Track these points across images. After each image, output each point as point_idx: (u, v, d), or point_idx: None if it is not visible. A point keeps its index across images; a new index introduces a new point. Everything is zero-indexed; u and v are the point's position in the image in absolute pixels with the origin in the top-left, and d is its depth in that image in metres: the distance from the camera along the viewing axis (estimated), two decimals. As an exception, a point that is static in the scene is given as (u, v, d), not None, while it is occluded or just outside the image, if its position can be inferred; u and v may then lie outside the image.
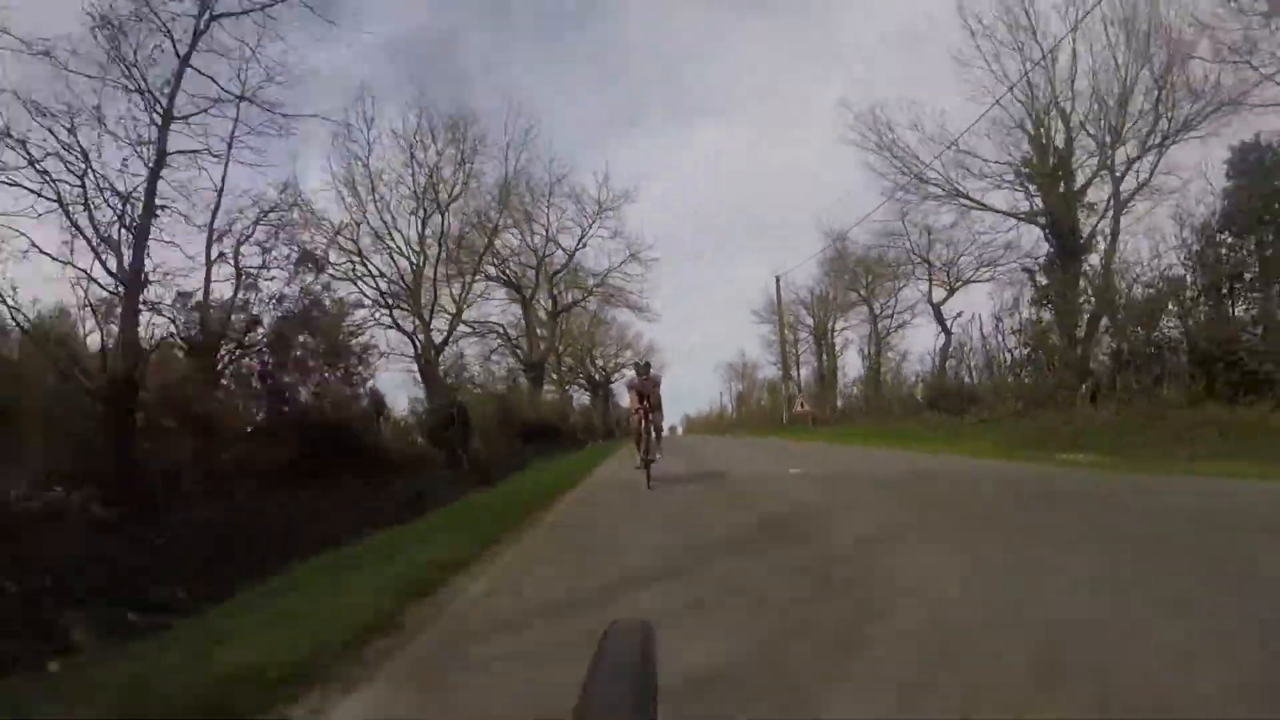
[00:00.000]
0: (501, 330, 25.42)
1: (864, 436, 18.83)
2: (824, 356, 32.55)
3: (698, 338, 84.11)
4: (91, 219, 7.78)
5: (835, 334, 32.03)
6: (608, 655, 0.54)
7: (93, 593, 4.24)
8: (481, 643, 2.61)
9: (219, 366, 7.79)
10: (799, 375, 36.25)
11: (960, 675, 2.00)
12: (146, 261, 8.03)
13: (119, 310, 7.21)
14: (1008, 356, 15.40)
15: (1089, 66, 14.58)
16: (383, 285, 16.02)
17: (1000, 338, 15.64)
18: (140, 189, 7.79)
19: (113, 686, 2.26)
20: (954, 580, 3.09)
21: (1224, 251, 10.62)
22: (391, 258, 16.53)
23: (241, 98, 9.54)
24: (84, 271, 7.78)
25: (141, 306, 7.75)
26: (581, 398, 39.71)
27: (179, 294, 7.75)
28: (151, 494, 6.04)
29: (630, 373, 11.13)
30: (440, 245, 17.07)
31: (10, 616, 3.75)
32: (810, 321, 33.27)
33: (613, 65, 54.69)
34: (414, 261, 16.80)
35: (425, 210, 17.23)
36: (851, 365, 31.47)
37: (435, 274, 17.06)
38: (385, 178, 17.04)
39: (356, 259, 15.98)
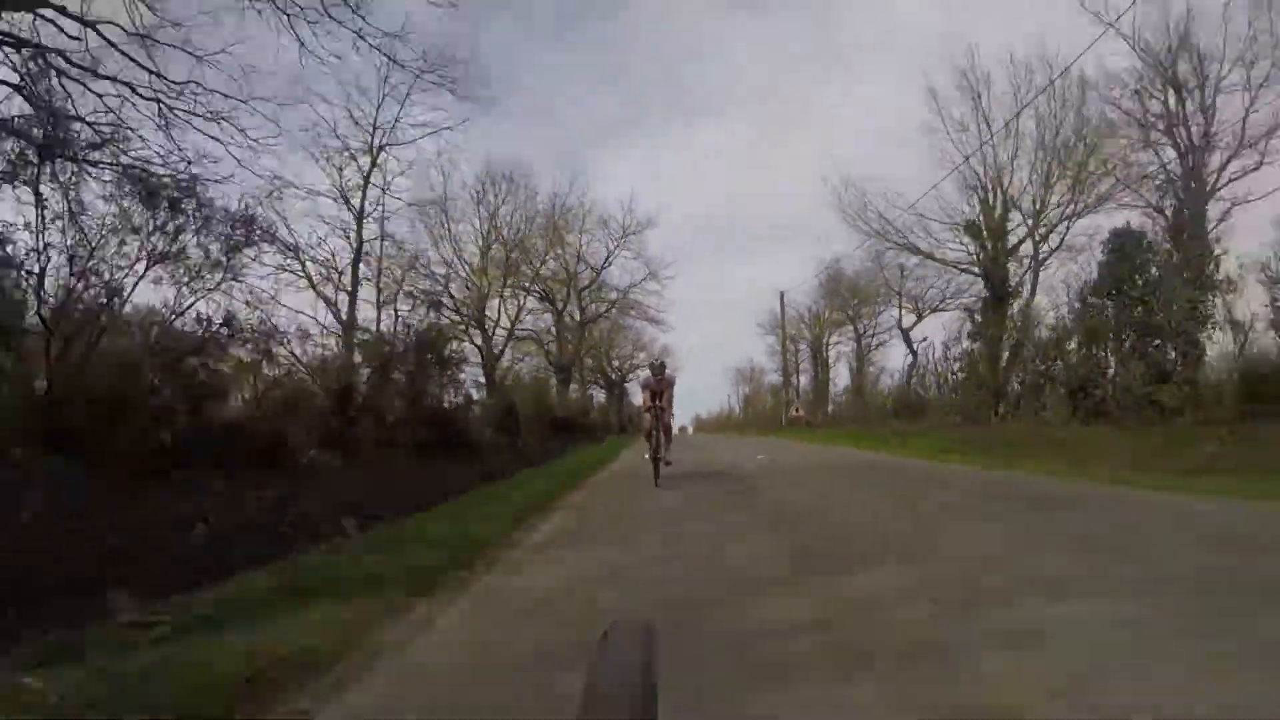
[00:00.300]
0: (536, 336, 29.47)
1: (841, 438, 22.65)
2: (819, 367, 36.45)
3: (708, 338, 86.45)
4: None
5: (829, 348, 35.94)
6: (608, 655, 0.54)
7: (346, 509, 8.13)
8: (556, 543, 6.55)
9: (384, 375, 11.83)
10: (798, 382, 40.13)
11: (786, 520, 5.94)
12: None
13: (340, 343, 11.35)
14: (950, 378, 19.21)
15: (1027, 147, 18.35)
16: (460, 308, 20.12)
17: (946, 362, 19.46)
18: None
19: (388, 540, 6.11)
20: (806, 497, 7.02)
21: (1092, 310, 14.38)
22: (465, 285, 20.69)
23: (385, 189, 13.77)
24: (314, 319, 12.02)
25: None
26: (599, 396, 43.75)
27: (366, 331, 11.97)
28: (358, 454, 9.98)
29: (645, 372, 11.10)
30: (502, 273, 21.25)
31: (319, 520, 7.65)
32: (809, 335, 37.16)
33: (614, 64, 57.35)
34: (479, 286, 20.91)
35: (488, 244, 21.38)
36: (841, 376, 35.25)
37: (491, 293, 21.19)
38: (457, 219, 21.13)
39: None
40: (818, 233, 66.13)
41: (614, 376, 43.80)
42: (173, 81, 6.82)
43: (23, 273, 5.11)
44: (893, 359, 33.71)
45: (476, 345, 20.01)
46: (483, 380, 19.16)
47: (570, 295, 30.07)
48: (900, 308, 25.01)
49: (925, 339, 23.30)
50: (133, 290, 6.10)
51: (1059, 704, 1.91)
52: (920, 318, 24.80)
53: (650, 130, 64.71)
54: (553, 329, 30.26)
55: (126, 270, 5.91)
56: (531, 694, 2.21)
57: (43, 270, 5.29)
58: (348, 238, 13.65)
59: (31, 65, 5.94)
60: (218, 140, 7.47)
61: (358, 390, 10.20)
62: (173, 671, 2.29)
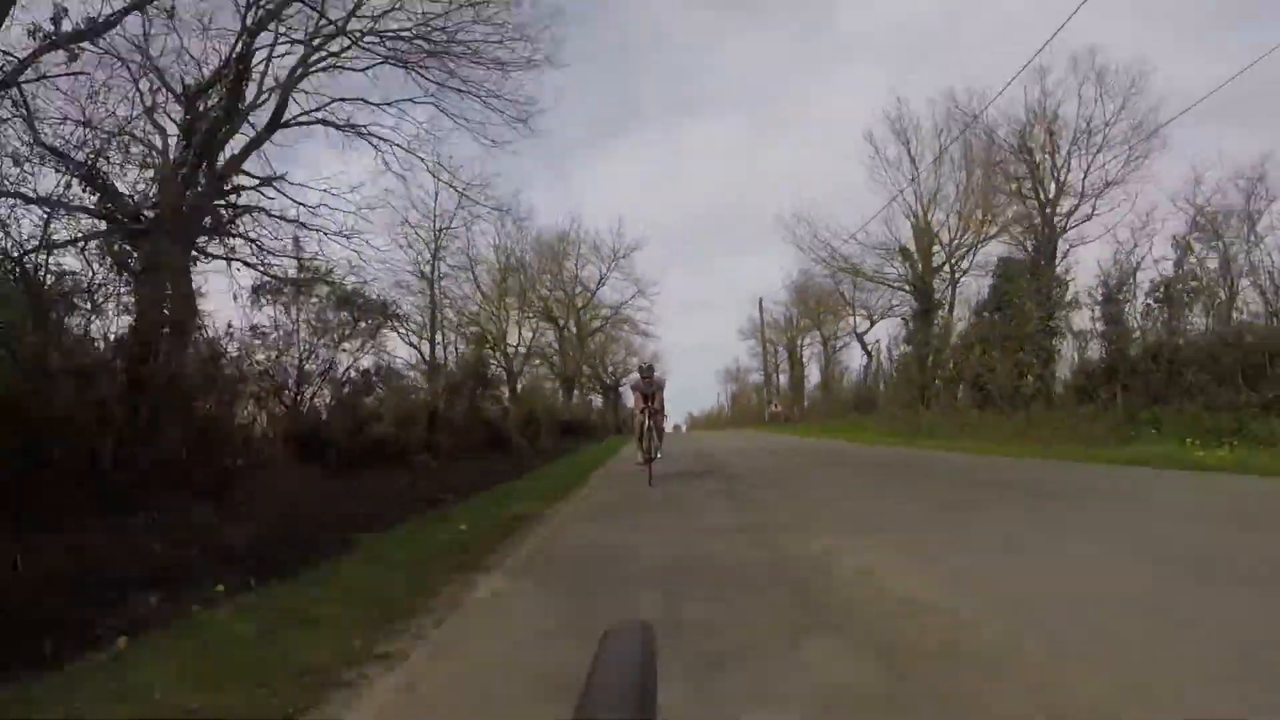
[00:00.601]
0: (542, 351, 33.44)
1: (809, 430, 26.86)
2: (794, 367, 40.66)
3: (701, 337, 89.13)
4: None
5: (803, 349, 40.15)
6: (608, 655, 0.54)
7: (443, 490, 12.05)
8: (587, 515, 10.56)
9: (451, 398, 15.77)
10: (778, 380, 44.31)
11: (751, 478, 10.00)
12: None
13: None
14: (892, 376, 23.40)
15: (950, 183, 22.54)
16: (487, 335, 24.22)
17: (890, 363, 23.66)
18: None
19: (461, 515, 10.10)
20: (765, 468, 11.09)
21: (983, 322, 18.57)
22: (490, 316, 24.72)
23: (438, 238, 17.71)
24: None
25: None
26: (596, 400, 47.73)
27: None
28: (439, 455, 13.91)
29: (635, 375, 11.19)
30: (517, 301, 25.42)
31: (431, 496, 11.57)
32: (784, 339, 41.38)
33: (607, 62, 58.34)
34: (499, 316, 24.96)
35: (504, 277, 25.42)
36: (815, 374, 39.47)
37: (509, 321, 25.31)
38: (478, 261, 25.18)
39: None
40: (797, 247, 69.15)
41: (609, 382, 47.76)
42: (310, 206, 10.32)
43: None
44: (855, 359, 38.00)
45: (501, 365, 23.94)
46: (506, 393, 23.08)
47: (570, 313, 34.10)
48: (855, 316, 29.24)
49: (877, 341, 27.52)
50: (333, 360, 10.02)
51: (824, 513, 5.97)
52: (873, 323, 29.02)
53: (641, 128, 66.37)
54: (555, 344, 34.28)
55: (332, 348, 9.82)
56: (615, 517, 6.22)
57: (303, 358, 9.18)
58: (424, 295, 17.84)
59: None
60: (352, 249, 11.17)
61: (439, 411, 14.13)
62: (481, 518, 6.27)
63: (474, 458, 16.25)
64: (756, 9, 58.91)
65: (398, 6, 9.66)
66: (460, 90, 10.84)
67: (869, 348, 28.20)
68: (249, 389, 8.10)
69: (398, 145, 11.23)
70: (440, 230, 18.86)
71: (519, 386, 24.13)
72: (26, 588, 3.41)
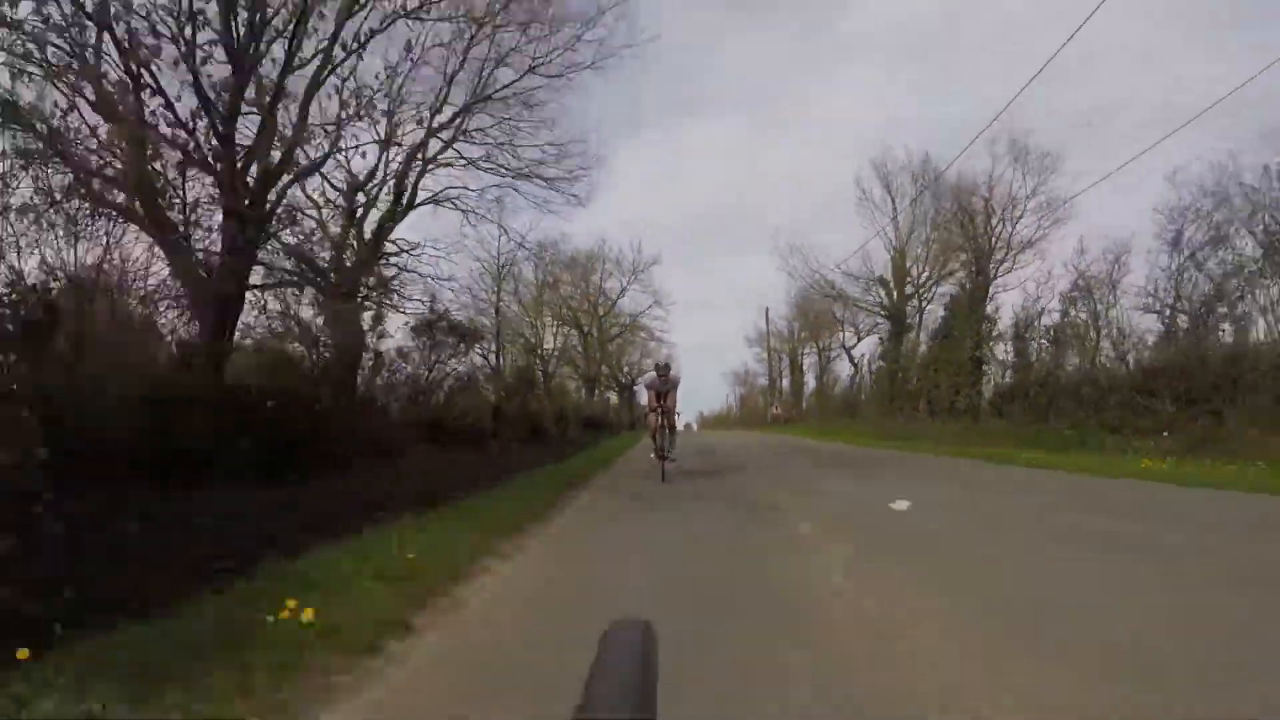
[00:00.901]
0: (568, 355, 37.80)
1: (802, 431, 30.97)
2: (795, 374, 44.75)
3: (698, 337, 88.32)
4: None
5: (803, 357, 44.21)
6: (608, 655, 0.55)
7: (501, 469, 16.34)
8: (612, 487, 14.80)
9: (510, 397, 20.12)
10: (782, 384, 48.41)
11: (732, 465, 14.23)
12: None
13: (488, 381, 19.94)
14: (871, 387, 27.47)
15: (922, 226, 26.54)
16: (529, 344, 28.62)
17: (869, 375, 27.72)
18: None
19: (509, 494, 14.34)
20: (744, 458, 15.32)
21: (935, 347, 22.61)
22: (538, 332, 29.35)
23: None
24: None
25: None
26: (611, 397, 52.09)
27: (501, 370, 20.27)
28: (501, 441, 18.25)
29: (650, 373, 11.51)
30: (552, 315, 29.89)
31: (497, 472, 15.87)
32: (787, 348, 45.48)
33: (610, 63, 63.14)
34: (537, 326, 29.53)
35: (541, 293, 29.89)
36: (812, 382, 43.52)
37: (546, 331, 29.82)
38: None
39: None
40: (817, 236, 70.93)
41: (624, 381, 52.11)
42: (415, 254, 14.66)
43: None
44: (844, 370, 42.09)
45: (539, 369, 28.30)
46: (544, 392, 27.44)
47: (593, 321, 38.44)
48: (843, 332, 33.30)
49: (862, 355, 31.57)
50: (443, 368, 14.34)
51: (769, 473, 10.19)
52: (860, 339, 33.04)
53: (641, 128, 68.24)
54: (579, 347, 38.63)
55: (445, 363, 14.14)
56: (632, 493, 10.45)
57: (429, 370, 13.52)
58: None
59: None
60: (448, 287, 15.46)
61: (501, 408, 18.46)
62: (528, 495, 10.53)
63: (521, 444, 20.61)
64: (756, 9, 62.00)
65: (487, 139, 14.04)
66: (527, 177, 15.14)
67: (855, 361, 32.28)
68: (402, 393, 12.42)
69: (477, 212, 15.58)
70: (502, 267, 23.31)
71: (551, 386, 28.49)
72: (334, 501, 7.51)
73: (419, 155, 13.32)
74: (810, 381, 43.24)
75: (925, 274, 25.68)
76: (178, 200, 7.51)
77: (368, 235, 13.36)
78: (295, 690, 2.32)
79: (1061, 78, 43.65)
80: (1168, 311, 13.43)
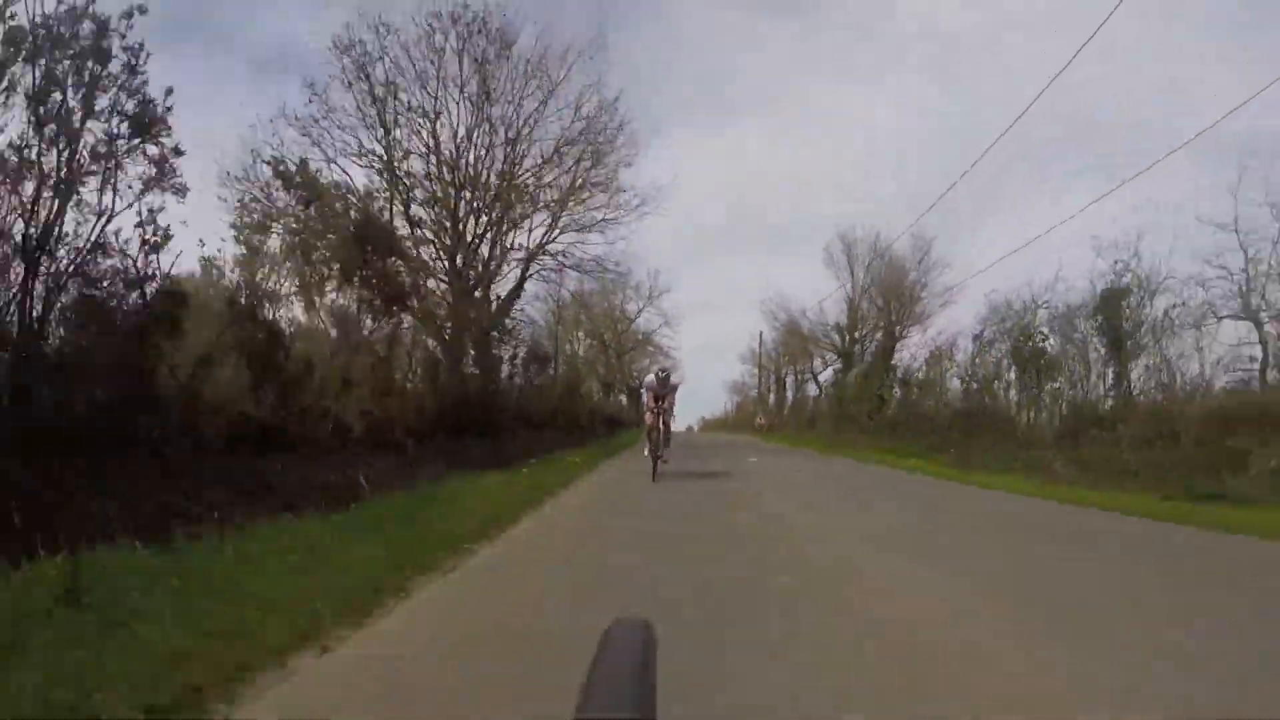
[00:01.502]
0: (589, 362, 46.56)
1: (777, 438, 39.54)
2: (780, 389, 53.36)
3: (699, 339, 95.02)
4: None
5: (787, 376, 52.81)
6: (608, 655, 0.55)
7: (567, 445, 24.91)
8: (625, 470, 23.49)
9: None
10: (772, 398, 57.01)
11: (708, 451, 22.91)
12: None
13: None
14: (826, 407, 36.06)
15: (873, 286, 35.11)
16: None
17: (827, 396, 36.30)
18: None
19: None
20: (723, 456, 24.00)
21: (868, 378, 31.11)
22: (574, 347, 38.14)
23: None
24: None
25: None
26: (622, 399, 60.90)
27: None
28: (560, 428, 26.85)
29: (651, 376, 12.11)
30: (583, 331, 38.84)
31: (563, 445, 24.44)
32: (773, 367, 54.10)
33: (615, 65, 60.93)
34: (572, 340, 38.44)
35: (580, 317, 38.71)
36: (792, 397, 52.06)
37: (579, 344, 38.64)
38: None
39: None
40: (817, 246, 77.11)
41: (633, 385, 60.88)
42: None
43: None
44: (814, 390, 50.50)
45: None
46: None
47: (613, 335, 47.22)
48: (812, 359, 41.91)
49: (825, 380, 40.12)
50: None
51: (724, 453, 18.88)
52: (826, 366, 41.58)
53: (642, 128, 69.98)
54: (601, 358, 47.41)
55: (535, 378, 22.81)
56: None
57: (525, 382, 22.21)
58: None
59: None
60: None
61: (558, 406, 27.17)
62: (585, 457, 19.18)
63: (562, 433, 29.33)
64: (755, 9, 66.43)
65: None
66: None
67: (820, 384, 40.87)
68: (513, 397, 21.19)
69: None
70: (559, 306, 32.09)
71: (581, 389, 37.33)
72: (475, 455, 16.38)
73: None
74: (790, 397, 51.84)
75: (869, 325, 34.35)
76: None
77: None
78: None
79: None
80: (969, 379, 21.90)
